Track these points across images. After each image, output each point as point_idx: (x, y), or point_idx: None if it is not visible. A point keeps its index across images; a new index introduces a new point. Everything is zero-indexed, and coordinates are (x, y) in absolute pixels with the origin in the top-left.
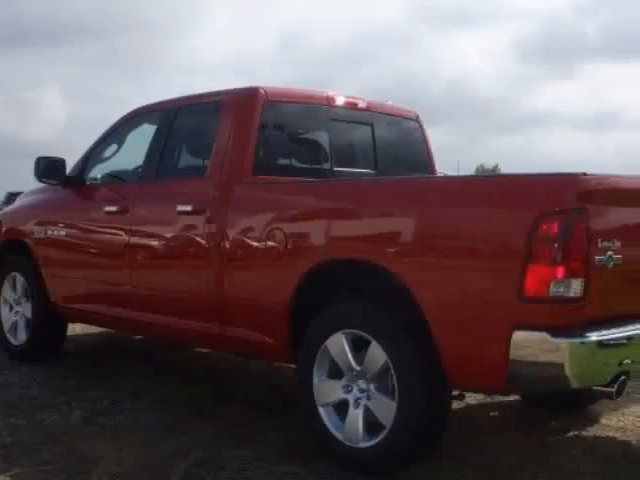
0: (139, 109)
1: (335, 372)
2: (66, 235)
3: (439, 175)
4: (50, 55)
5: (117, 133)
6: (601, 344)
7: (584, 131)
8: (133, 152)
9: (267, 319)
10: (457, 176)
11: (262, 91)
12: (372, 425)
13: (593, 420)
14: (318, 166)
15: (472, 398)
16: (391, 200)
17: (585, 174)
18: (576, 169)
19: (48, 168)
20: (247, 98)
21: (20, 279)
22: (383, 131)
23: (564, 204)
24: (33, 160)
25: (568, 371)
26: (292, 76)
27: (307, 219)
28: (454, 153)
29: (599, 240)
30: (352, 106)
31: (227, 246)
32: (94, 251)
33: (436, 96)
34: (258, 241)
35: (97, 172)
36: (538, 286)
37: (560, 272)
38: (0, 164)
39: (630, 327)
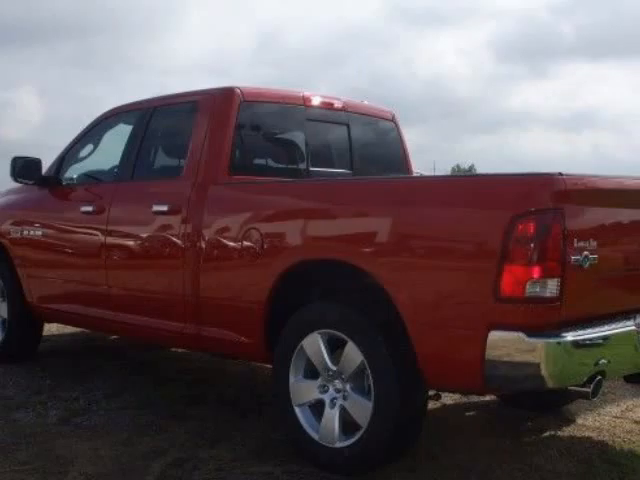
0: (115, 109)
1: (311, 372)
2: (42, 235)
3: (415, 175)
4: (25, 55)
5: (93, 133)
6: (577, 344)
7: (560, 131)
8: (109, 152)
9: (243, 319)
10: (433, 176)
11: (238, 91)
12: (348, 425)
13: (569, 420)
14: (294, 166)
15: (448, 398)
16: (367, 200)
17: (561, 174)
18: (552, 169)
19: (24, 168)
20: (223, 98)
21: None
22: (359, 131)
23: (540, 204)
24: (8, 160)
25: (544, 371)
26: (268, 76)
27: (283, 219)
28: (430, 153)
29: (575, 240)
30: (328, 106)
31: (203, 246)
32: (70, 251)
33: (412, 96)
34: (234, 241)
35: (73, 172)
36: (514, 286)
37: (536, 272)
38: None
39: (606, 327)
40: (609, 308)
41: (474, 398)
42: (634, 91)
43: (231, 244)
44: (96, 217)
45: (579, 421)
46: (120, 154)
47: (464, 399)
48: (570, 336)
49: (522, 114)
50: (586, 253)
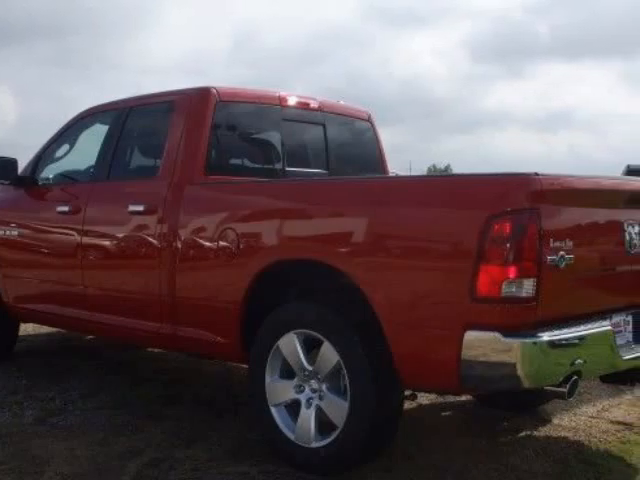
0: (91, 109)
1: (287, 372)
2: (18, 235)
3: (391, 175)
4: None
5: (69, 133)
6: (553, 344)
7: (536, 131)
8: (85, 152)
9: (219, 319)
10: (409, 176)
11: (214, 91)
12: (324, 425)
13: (545, 420)
14: (270, 166)
15: (424, 398)
16: (343, 200)
17: (537, 174)
18: (528, 169)
19: (0, 168)
20: (199, 98)
21: None
22: (335, 131)
23: (516, 204)
24: None
25: (520, 371)
26: (245, 76)
27: (259, 219)
28: (406, 153)
29: (551, 240)
30: (304, 106)
31: (179, 246)
32: (46, 251)
33: (388, 96)
34: (210, 241)
35: (49, 172)
36: (490, 286)
37: (512, 272)
38: None
39: (582, 327)
40: (585, 308)
41: (450, 398)
42: (610, 91)
43: (207, 244)
44: (72, 217)
45: (555, 421)
46: (96, 154)
47: (440, 399)
48: (546, 336)
49: (498, 114)
50: (562, 253)
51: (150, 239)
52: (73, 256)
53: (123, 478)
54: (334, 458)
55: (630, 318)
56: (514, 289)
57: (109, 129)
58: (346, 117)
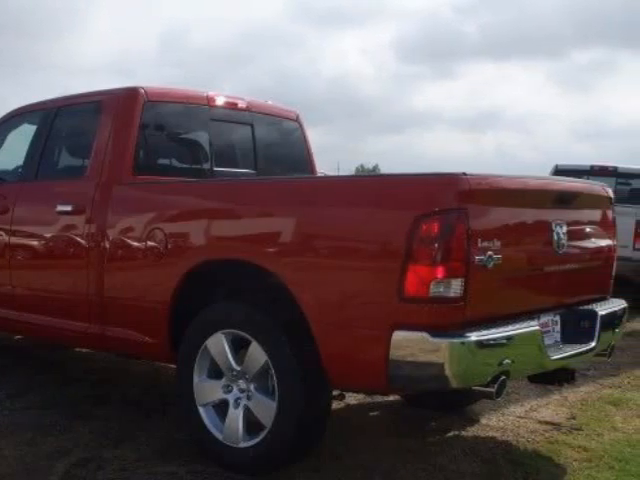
0: (19, 109)
1: (215, 372)
2: None
3: (319, 175)
4: None
5: None
6: (481, 344)
7: (464, 130)
8: (13, 152)
9: (147, 319)
10: (337, 176)
11: (142, 91)
12: (252, 425)
13: (473, 420)
14: (198, 166)
15: (352, 398)
16: (270, 200)
17: (465, 174)
18: (456, 169)
19: None
20: (127, 98)
21: None
22: (263, 131)
23: (444, 204)
24: None
25: (448, 371)
26: (174, 76)
27: (187, 219)
28: (334, 153)
29: (479, 240)
30: (232, 106)
31: (107, 246)
32: None
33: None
34: (138, 241)
35: None
36: (418, 286)
37: (440, 272)
38: None
39: (510, 327)
40: (513, 308)
41: (378, 398)
42: (537, 91)
43: (135, 244)
44: (0, 217)
45: (483, 421)
46: (24, 154)
47: (368, 399)
48: (474, 336)
49: (427, 114)
50: (490, 253)
51: (78, 239)
52: (1, 256)
53: (51, 478)
54: (262, 458)
55: (558, 318)
56: (442, 289)
57: (37, 129)
58: (274, 117)
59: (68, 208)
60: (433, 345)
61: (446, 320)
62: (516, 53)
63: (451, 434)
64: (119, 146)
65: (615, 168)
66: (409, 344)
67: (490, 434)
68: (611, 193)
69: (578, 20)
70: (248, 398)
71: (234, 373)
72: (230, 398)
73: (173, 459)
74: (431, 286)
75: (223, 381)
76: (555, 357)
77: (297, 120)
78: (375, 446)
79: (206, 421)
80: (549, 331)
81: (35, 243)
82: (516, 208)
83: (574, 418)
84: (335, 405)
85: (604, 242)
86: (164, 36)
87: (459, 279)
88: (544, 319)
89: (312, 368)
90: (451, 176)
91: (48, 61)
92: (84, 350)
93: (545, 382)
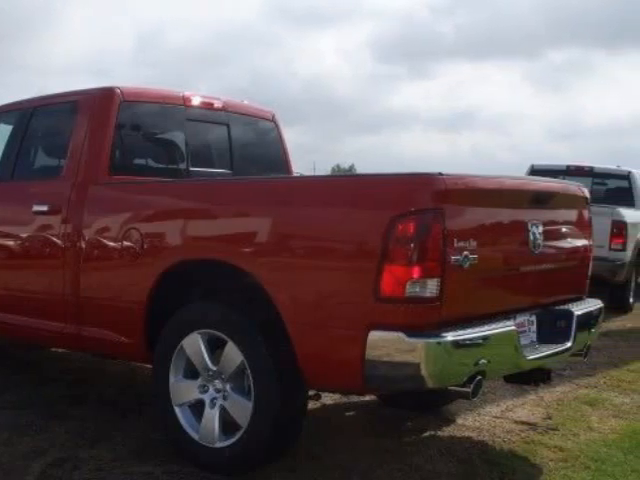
0: None
1: (191, 372)
2: None
3: (295, 175)
4: None
5: None
6: (457, 344)
7: (440, 131)
8: None
9: (123, 319)
10: (313, 176)
11: (118, 91)
12: (228, 425)
13: (449, 420)
14: (174, 166)
15: (328, 398)
16: (246, 200)
17: (441, 174)
18: (432, 169)
19: None
20: (103, 98)
21: None
22: (239, 131)
23: (420, 204)
24: None
25: (424, 371)
26: (150, 76)
27: (163, 219)
28: (310, 153)
29: (455, 240)
30: (208, 106)
31: (83, 246)
32: None
33: (293, 96)
34: (114, 241)
35: None
36: (394, 286)
37: (416, 272)
38: None
39: (486, 327)
40: (489, 308)
41: (354, 398)
42: (513, 92)
43: (111, 244)
44: None
45: (459, 421)
46: (0, 154)
47: (344, 399)
48: (450, 336)
49: (404, 114)
50: (466, 253)
51: (54, 239)
52: None
53: (27, 478)
54: (238, 458)
55: (534, 318)
56: (418, 289)
57: (13, 129)
58: (250, 117)
59: (44, 208)
60: (409, 345)
61: (422, 320)
62: (492, 53)
63: (427, 434)
64: (95, 146)
65: (591, 168)
66: (385, 344)
67: (466, 434)
68: (587, 193)
69: (553, 20)
70: (224, 398)
71: (210, 373)
72: (206, 398)
73: (149, 459)
74: (407, 286)
75: (199, 381)
76: (531, 357)
77: (273, 120)
78: (352, 446)
79: (182, 421)
80: (525, 331)
81: (11, 243)
82: (492, 208)
83: (550, 418)
84: (311, 405)
85: (580, 242)
86: (140, 36)
87: (435, 279)
88: (520, 319)
89: (288, 368)
90: (427, 176)
91: (23, 62)
92: (60, 350)
93: (521, 382)
